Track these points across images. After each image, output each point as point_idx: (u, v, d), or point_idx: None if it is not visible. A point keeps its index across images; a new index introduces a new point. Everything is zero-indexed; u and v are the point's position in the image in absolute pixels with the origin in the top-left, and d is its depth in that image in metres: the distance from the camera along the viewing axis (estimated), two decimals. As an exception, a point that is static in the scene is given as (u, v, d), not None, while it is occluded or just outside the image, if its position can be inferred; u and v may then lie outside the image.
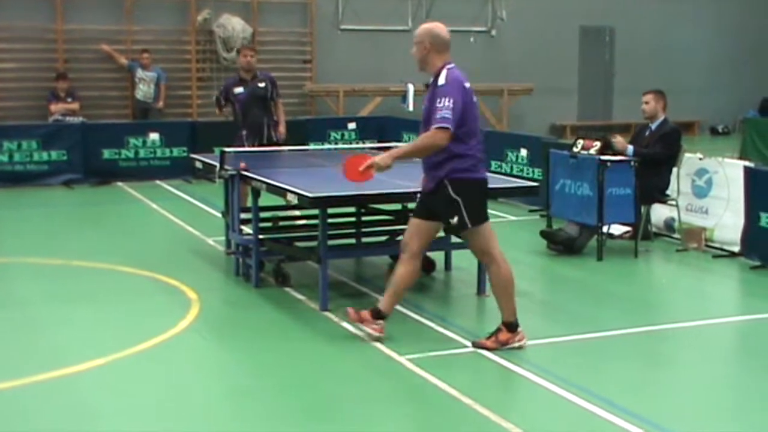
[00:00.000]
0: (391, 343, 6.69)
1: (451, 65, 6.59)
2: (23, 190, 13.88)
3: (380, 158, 6.67)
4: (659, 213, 10.52)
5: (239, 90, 10.68)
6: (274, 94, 10.91)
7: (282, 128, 10.92)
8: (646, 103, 10.13)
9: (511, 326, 6.65)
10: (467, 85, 6.57)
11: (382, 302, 6.84)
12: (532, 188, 8.45)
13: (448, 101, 6.35)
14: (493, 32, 20.58)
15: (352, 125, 16.60)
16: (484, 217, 6.65)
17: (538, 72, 20.51)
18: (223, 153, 8.85)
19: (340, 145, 10.76)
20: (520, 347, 6.61)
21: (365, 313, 6.82)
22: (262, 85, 10.76)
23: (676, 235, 10.36)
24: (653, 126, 10.14)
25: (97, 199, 13.44)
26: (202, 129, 15.38)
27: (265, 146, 10.56)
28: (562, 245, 9.66)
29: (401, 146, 7.17)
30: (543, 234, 9.85)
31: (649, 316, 7.75)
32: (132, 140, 14.91)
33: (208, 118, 17.34)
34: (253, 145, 10.53)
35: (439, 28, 6.68)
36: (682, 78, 21.49)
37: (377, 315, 6.78)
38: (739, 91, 22.63)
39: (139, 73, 16.97)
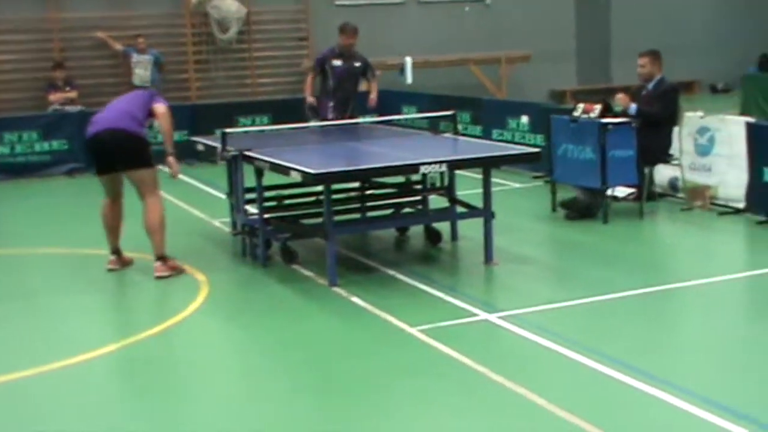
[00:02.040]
0: (403, 315, 6.73)
1: None
2: (26, 182, 13.89)
3: None
4: (663, 173, 10.51)
5: (338, 63, 11.11)
6: (369, 75, 11.50)
7: (374, 95, 11.47)
8: (642, 66, 10.12)
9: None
10: None
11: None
12: (535, 154, 8.45)
13: None
14: (488, 0, 20.49)
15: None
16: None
17: (535, 38, 20.42)
18: (224, 134, 8.85)
19: (339, 121, 10.72)
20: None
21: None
22: (357, 64, 11.26)
23: (680, 195, 10.36)
24: (650, 86, 10.12)
25: (101, 188, 13.39)
26: (201, 112, 15.35)
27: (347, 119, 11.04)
28: (580, 212, 9.67)
29: None
30: (563, 204, 9.82)
31: (657, 277, 7.77)
32: (132, 126, 14.86)
33: (208, 101, 17.36)
34: (337, 118, 10.99)
35: None
36: (680, 37, 21.38)
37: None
38: (737, 48, 22.50)
39: (135, 57, 16.93)
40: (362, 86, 12.07)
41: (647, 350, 6.07)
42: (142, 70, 16.92)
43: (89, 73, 17.37)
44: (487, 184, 8.12)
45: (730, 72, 22.49)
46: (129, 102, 8.45)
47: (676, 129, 10.18)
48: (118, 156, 8.14)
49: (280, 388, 5.70)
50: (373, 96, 11.53)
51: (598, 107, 9.63)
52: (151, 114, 8.43)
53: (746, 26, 22.88)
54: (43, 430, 5.19)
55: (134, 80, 16.93)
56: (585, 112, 9.71)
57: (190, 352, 6.43)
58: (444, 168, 7.90)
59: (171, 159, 8.52)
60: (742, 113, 15.00)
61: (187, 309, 7.18)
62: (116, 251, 8.46)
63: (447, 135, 9.54)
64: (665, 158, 10.10)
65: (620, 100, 9.75)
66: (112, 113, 8.31)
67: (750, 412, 4.94)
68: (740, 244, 9.08)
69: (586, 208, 9.66)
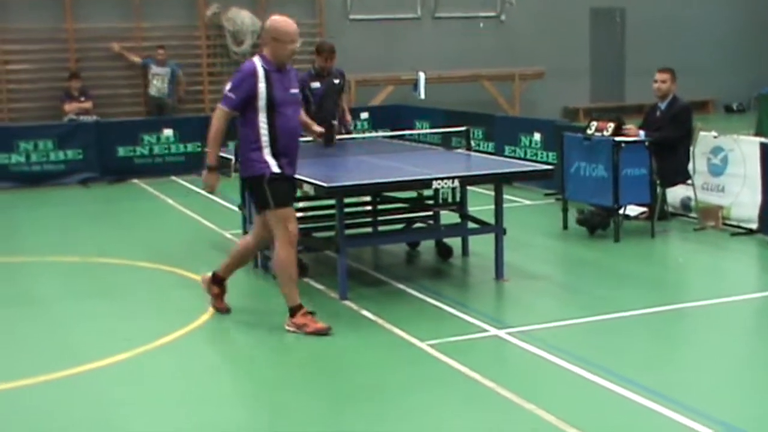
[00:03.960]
0: (413, 329, 6.73)
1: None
2: (41, 190, 13.96)
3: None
4: (675, 192, 10.50)
5: (316, 85, 10.59)
6: (345, 87, 11.08)
7: (348, 117, 11.05)
8: (663, 81, 10.05)
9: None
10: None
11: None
12: (547, 171, 8.45)
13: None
14: (503, 17, 20.54)
15: (364, 115, 16.61)
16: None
17: (549, 55, 20.47)
18: (237, 147, 8.86)
19: (353, 135, 10.74)
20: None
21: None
22: (336, 81, 10.78)
23: (692, 214, 10.34)
24: (663, 106, 10.10)
25: (114, 197, 13.51)
26: (215, 124, 15.44)
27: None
28: (595, 227, 9.66)
29: None
30: (579, 222, 9.78)
31: (668, 296, 7.76)
32: (146, 137, 14.97)
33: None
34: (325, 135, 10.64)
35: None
36: (694, 56, 21.39)
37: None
38: (753, 68, 22.50)
39: (153, 69, 17.01)
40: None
41: (656, 368, 6.06)
42: (159, 82, 17.00)
43: (105, 83, 17.48)
44: (498, 200, 8.12)
45: (745, 92, 22.49)
46: None
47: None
48: None
49: (289, 399, 5.71)
50: (348, 117, 10.96)
51: (611, 125, 9.63)
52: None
53: (762, 46, 22.87)
54: (53, 437, 5.22)
55: (150, 91, 17.03)
56: (598, 130, 9.71)
57: (201, 362, 6.45)
58: (456, 183, 7.91)
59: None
60: (757, 134, 14.97)
61: (199, 319, 7.20)
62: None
63: (459, 151, 9.55)
64: (683, 178, 10.08)
65: (630, 132, 9.69)
66: None
67: (759, 433, 4.93)
68: (752, 265, 9.06)
69: (601, 222, 9.63)
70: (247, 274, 8.67)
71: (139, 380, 6.07)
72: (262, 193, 6.84)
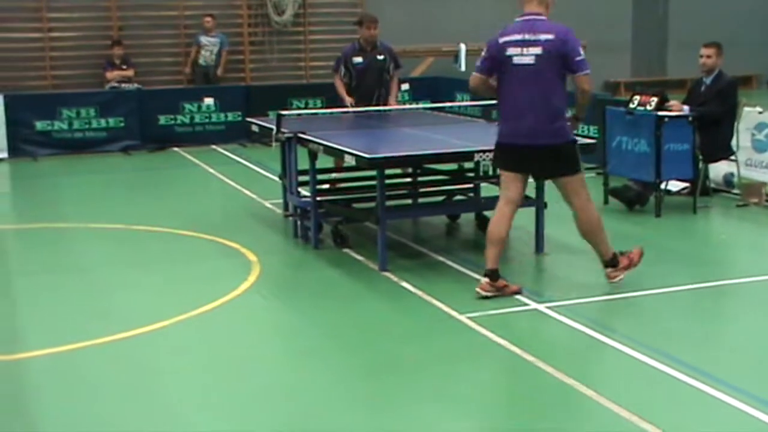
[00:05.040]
0: (452, 302, 6.75)
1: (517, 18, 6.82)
2: (83, 157, 14.09)
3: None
4: (718, 169, 10.40)
5: (358, 60, 10.35)
6: (392, 67, 10.60)
7: (392, 100, 10.62)
8: (708, 56, 9.93)
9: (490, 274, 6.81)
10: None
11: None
12: (589, 146, 8.40)
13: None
14: (545, -11, 20.34)
15: (405, 86, 16.54)
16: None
17: (591, 28, 20.18)
18: (279, 116, 8.91)
19: (393, 107, 10.69)
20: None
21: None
22: (381, 57, 10.43)
23: (735, 191, 10.25)
24: (708, 81, 9.99)
25: (155, 165, 13.61)
26: (256, 93, 15.50)
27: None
28: (631, 202, 9.63)
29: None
30: (612, 192, 9.78)
31: (710, 272, 7.71)
32: (187, 106, 15.03)
33: (262, 83, 17.45)
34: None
35: None
36: (738, 30, 21.07)
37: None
38: (798, 43, 22.18)
39: (203, 40, 17.01)
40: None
41: (697, 346, 6.04)
42: (207, 53, 17.01)
43: (146, 51, 17.54)
44: (539, 174, 8.08)
45: (789, 67, 22.17)
46: None
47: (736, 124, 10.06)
48: None
49: (327, 369, 5.75)
50: (391, 100, 10.57)
51: (654, 100, 9.54)
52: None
53: (808, 21, 22.50)
54: (92, 402, 5.29)
55: (199, 60, 17.02)
56: (641, 104, 9.63)
57: (241, 332, 6.50)
58: (497, 156, 7.86)
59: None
60: (801, 109, 14.77)
61: (239, 288, 7.26)
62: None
63: (501, 123, 9.50)
64: (726, 154, 9.98)
65: (674, 108, 9.60)
66: None
67: (801, 412, 4.90)
68: (795, 243, 8.98)
69: (637, 197, 9.60)
70: (286, 244, 8.73)
71: (178, 348, 6.14)
72: (575, 158, 6.94)
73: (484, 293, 6.81)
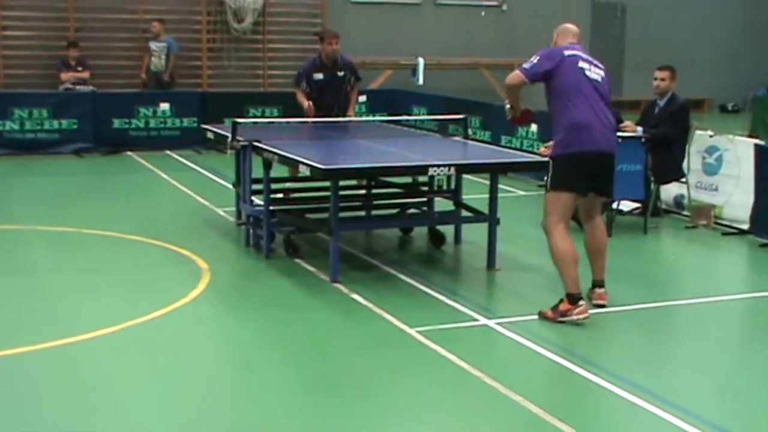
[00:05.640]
0: (402, 315, 6.74)
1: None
2: (34, 158, 13.93)
3: None
4: (669, 190, 10.52)
5: (319, 77, 10.32)
6: (352, 80, 10.62)
7: (351, 112, 10.65)
8: (662, 79, 10.06)
9: (572, 298, 6.72)
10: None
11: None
12: (544, 163, 8.44)
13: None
14: (504, 6, 20.50)
15: (362, 98, 16.56)
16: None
17: (549, 47, 20.42)
18: (235, 124, 8.87)
19: (351, 117, 10.70)
20: (578, 320, 6.65)
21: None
22: (341, 73, 10.46)
23: (685, 212, 10.37)
24: (662, 103, 10.11)
25: (108, 169, 13.49)
26: (212, 100, 15.44)
27: None
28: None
29: None
30: None
31: (658, 292, 7.79)
32: (142, 110, 14.94)
33: (219, 89, 17.39)
34: None
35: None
36: (692, 55, 21.39)
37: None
38: (749, 70, 22.55)
39: (152, 45, 16.88)
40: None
41: (642, 364, 6.09)
42: (156, 58, 16.88)
43: (103, 54, 17.42)
44: (493, 190, 8.13)
45: (740, 92, 22.55)
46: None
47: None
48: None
49: (274, 380, 5.72)
50: (350, 110, 10.61)
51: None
52: None
53: (759, 47, 22.91)
54: (35, 405, 5.22)
55: (151, 67, 16.89)
56: (595, 124, 9.69)
57: (187, 339, 6.44)
58: (452, 171, 7.90)
59: None
60: (751, 135, 14.99)
61: (189, 296, 7.20)
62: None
63: (456, 138, 9.55)
64: (678, 176, 10.10)
65: (627, 129, 9.71)
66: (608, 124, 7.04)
67: (743, 433, 4.96)
68: (742, 266, 9.10)
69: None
70: (238, 252, 8.68)
71: (125, 354, 6.07)
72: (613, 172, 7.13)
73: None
